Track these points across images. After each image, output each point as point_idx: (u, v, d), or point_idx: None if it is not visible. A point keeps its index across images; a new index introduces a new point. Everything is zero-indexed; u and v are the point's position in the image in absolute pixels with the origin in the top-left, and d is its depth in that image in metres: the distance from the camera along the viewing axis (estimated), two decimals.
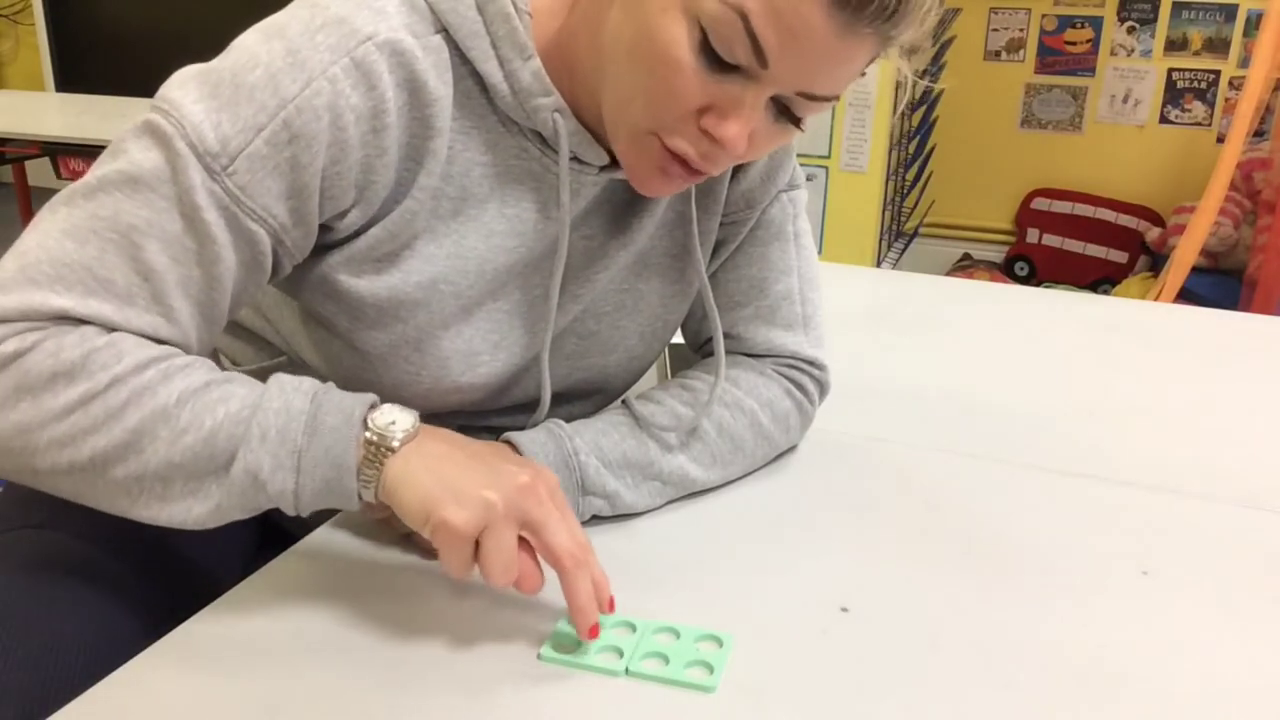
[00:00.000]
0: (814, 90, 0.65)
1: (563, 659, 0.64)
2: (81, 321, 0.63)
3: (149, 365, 0.63)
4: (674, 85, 0.64)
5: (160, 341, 0.65)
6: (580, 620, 0.64)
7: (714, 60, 0.63)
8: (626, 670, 0.64)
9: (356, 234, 0.72)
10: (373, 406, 0.66)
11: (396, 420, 0.65)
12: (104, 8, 4.36)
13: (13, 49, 4.95)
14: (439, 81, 0.69)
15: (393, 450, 0.64)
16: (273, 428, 0.63)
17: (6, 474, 0.64)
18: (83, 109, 3.10)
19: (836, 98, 0.67)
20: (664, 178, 0.70)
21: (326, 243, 0.72)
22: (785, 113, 0.67)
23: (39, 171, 3.24)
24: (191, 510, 0.63)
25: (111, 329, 0.63)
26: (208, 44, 0.72)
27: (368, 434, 0.64)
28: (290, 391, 0.65)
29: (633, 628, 0.67)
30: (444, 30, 0.70)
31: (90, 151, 2.62)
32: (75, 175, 2.66)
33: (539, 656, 0.65)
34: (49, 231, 0.63)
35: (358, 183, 0.69)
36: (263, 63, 0.65)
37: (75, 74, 4.41)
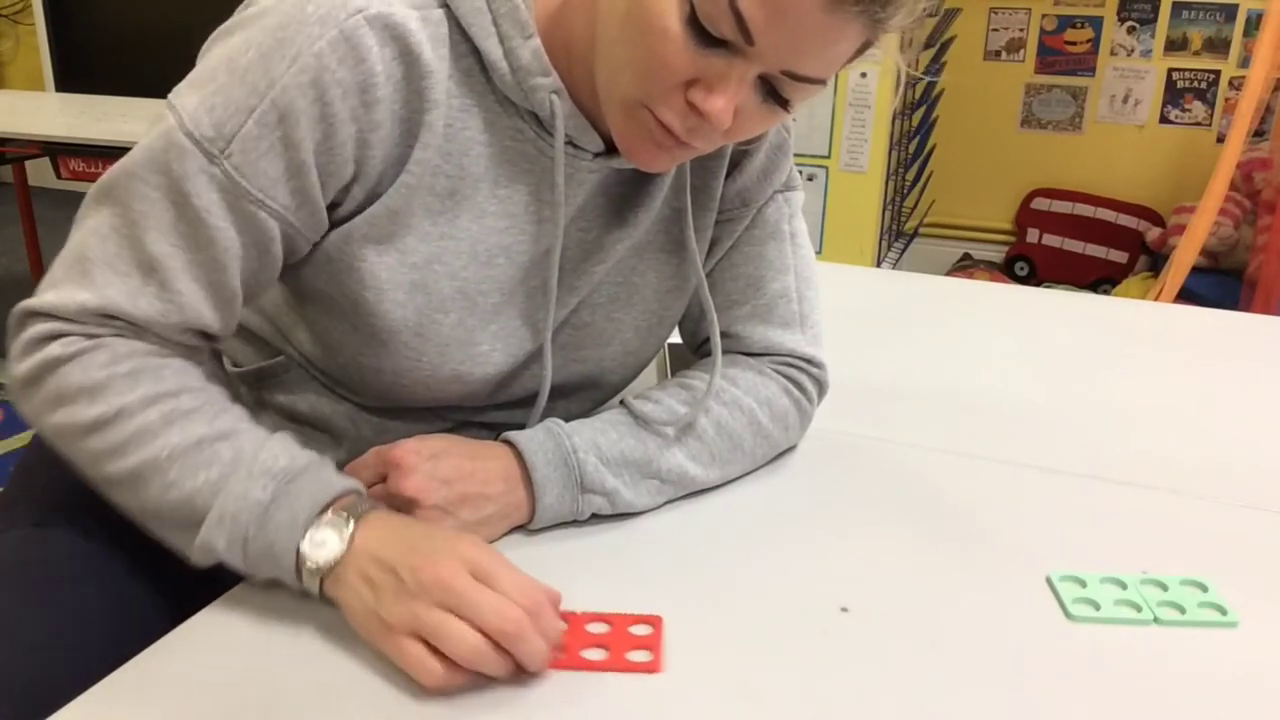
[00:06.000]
0: (800, 70, 0.64)
1: None
2: (108, 317, 0.68)
3: (155, 402, 0.68)
4: (662, 55, 0.64)
5: (176, 324, 0.69)
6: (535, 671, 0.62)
7: (701, 33, 0.63)
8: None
9: (358, 210, 0.72)
10: (326, 507, 0.66)
11: (326, 542, 0.65)
12: (104, 8, 4.37)
13: (13, 49, 4.95)
14: (434, 55, 0.69)
15: (324, 576, 0.65)
16: (229, 513, 0.65)
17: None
18: (83, 109, 3.10)
19: (823, 81, 0.66)
20: (657, 149, 0.70)
21: (336, 219, 0.73)
22: (773, 94, 0.67)
23: (39, 171, 3.24)
24: (188, 551, 0.68)
25: (132, 322, 0.68)
26: None
27: (303, 563, 0.65)
28: (257, 475, 0.66)
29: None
30: (446, 5, 0.70)
31: (90, 151, 2.61)
32: (75, 175, 2.67)
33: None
34: (82, 232, 0.69)
35: (355, 157, 0.70)
36: (255, 43, 0.66)
37: (75, 74, 4.42)
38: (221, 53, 0.68)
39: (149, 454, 0.66)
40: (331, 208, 0.72)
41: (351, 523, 0.66)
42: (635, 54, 0.65)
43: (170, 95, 0.69)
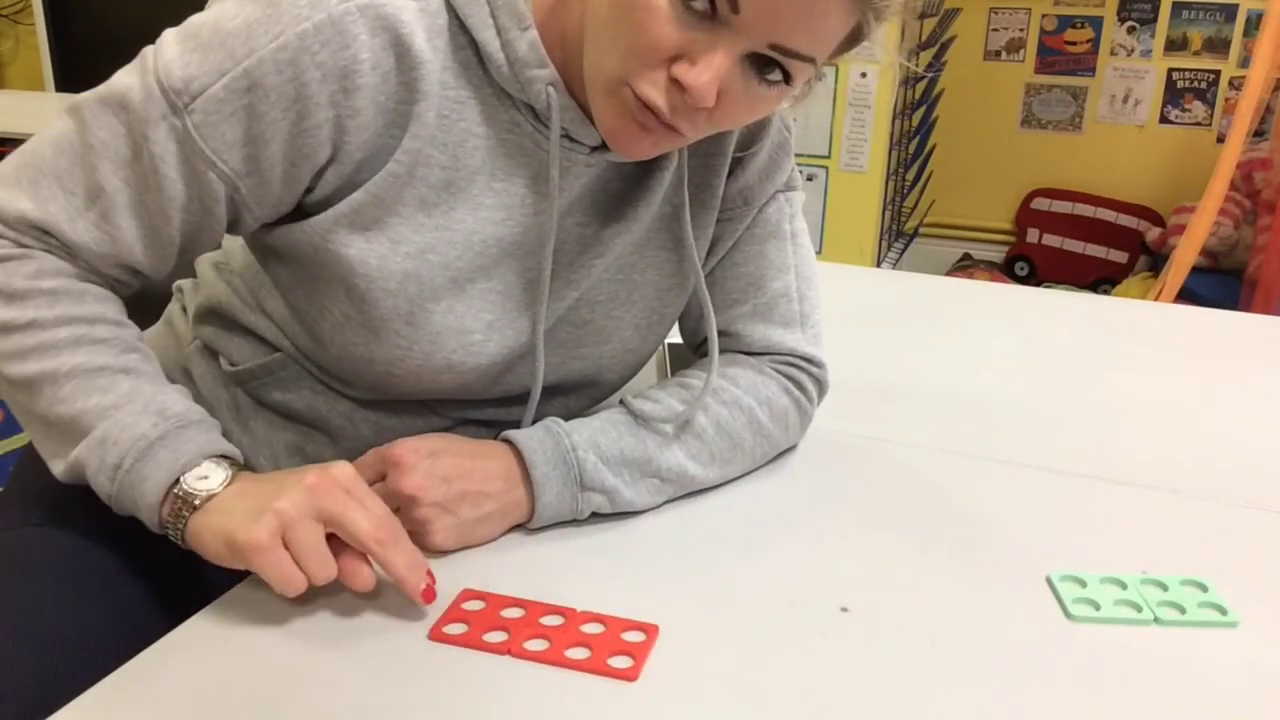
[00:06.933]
0: (788, 44, 0.65)
1: None
2: (44, 233, 0.70)
3: (69, 323, 0.70)
4: (648, 29, 0.64)
5: (107, 255, 0.71)
6: (406, 589, 0.67)
7: (687, 5, 0.63)
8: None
9: (335, 195, 0.72)
10: (207, 459, 0.69)
11: (209, 476, 0.68)
12: (104, 8, 4.36)
13: (13, 49, 4.95)
14: (428, 45, 0.70)
15: (194, 508, 0.67)
16: (111, 439, 0.68)
17: None
18: None
19: (814, 60, 0.66)
20: (640, 130, 0.69)
21: (314, 202, 0.73)
22: (763, 72, 0.66)
23: None
24: (55, 466, 0.71)
25: (64, 243, 0.70)
26: None
27: (176, 489, 0.67)
28: (151, 413, 0.69)
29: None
30: None
31: None
32: None
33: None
34: (45, 136, 0.71)
35: (332, 141, 0.70)
36: (244, 13, 0.68)
37: (75, 74, 4.40)
38: (214, 12, 0.69)
39: (49, 366, 0.69)
40: (307, 192, 0.73)
41: (233, 471, 0.69)
42: (621, 31, 0.65)
43: (161, 35, 0.70)
